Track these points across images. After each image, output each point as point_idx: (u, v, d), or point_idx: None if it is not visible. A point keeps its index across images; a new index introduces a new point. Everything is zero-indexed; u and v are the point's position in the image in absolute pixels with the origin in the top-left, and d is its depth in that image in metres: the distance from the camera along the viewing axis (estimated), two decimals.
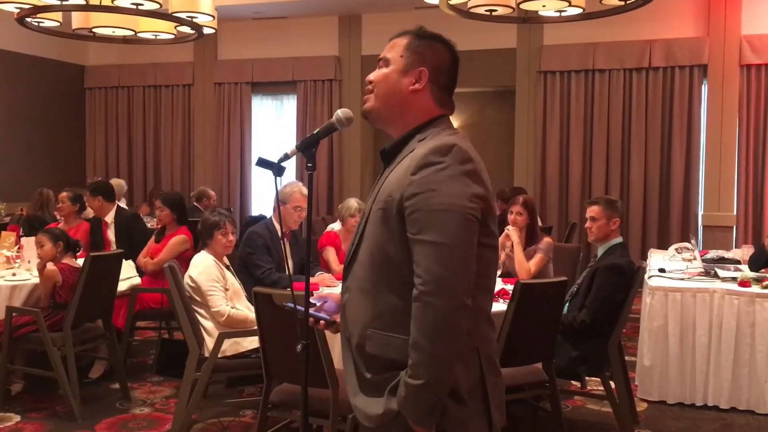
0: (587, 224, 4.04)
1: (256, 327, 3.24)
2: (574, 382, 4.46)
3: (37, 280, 4.38)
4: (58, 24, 5.87)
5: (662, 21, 7.95)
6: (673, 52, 7.91)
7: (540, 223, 5.36)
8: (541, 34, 8.45)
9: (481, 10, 5.24)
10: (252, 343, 3.66)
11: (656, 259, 5.52)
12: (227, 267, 4.01)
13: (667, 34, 7.98)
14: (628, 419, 3.78)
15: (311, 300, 1.86)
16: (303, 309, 1.84)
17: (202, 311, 3.77)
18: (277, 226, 4.39)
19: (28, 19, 5.68)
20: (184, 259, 4.92)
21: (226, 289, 3.86)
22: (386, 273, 1.65)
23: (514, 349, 3.26)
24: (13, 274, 4.51)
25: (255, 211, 9.67)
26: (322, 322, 1.83)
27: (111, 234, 5.58)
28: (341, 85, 9.34)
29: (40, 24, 5.88)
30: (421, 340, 1.54)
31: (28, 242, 4.86)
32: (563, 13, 5.42)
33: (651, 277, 4.58)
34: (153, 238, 5.23)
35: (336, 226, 5.65)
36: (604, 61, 8.19)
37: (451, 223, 1.55)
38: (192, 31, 6.07)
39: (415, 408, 1.56)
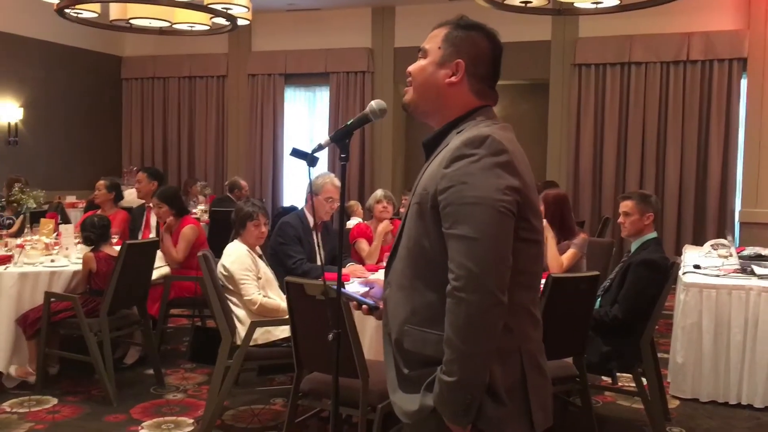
0: (620, 219, 4.00)
1: (287, 316, 3.27)
2: (605, 378, 4.42)
3: (75, 267, 4.47)
4: (96, 15, 5.97)
5: (701, 13, 7.80)
6: (712, 44, 7.76)
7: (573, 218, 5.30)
8: (576, 26, 8.35)
9: (516, 2, 5.21)
10: (283, 332, 3.70)
11: (691, 255, 5.44)
12: (260, 256, 4.06)
13: (706, 27, 7.83)
14: (659, 416, 3.74)
15: (358, 284, 1.88)
16: (350, 293, 1.86)
17: (234, 299, 3.82)
18: (309, 217, 4.42)
19: (67, 10, 5.78)
20: (198, 244, 4.98)
21: (259, 278, 3.90)
22: (422, 268, 1.62)
23: (544, 343, 3.24)
24: (52, 261, 4.61)
25: (286, 202, 9.75)
26: (365, 306, 1.83)
27: (153, 220, 5.67)
28: (374, 77, 9.34)
29: (79, 15, 5.99)
30: (453, 336, 1.52)
31: (66, 229, 4.96)
32: (599, 5, 5.35)
33: (686, 273, 4.51)
34: (162, 241, 5.02)
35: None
36: (641, 54, 8.06)
37: (483, 217, 1.51)
38: (227, 23, 6.13)
39: (449, 405, 1.54)
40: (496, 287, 1.51)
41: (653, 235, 3.95)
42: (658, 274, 3.71)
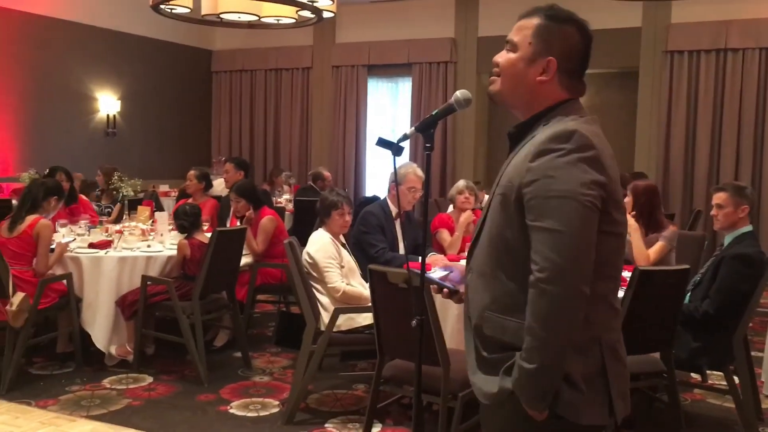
0: (713, 211, 3.85)
1: (370, 303, 3.33)
2: (694, 375, 4.29)
3: (169, 252, 4.68)
4: (189, 10, 6.19)
5: None
6: None
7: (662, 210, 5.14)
8: (668, 11, 8.05)
9: None
10: (366, 319, 3.76)
11: None
12: (343, 245, 4.13)
13: None
14: (751, 416, 3.60)
15: (438, 268, 1.93)
16: (431, 276, 1.90)
17: (318, 287, 3.91)
18: (392, 207, 4.47)
19: (162, 6, 6.02)
20: (277, 234, 5.13)
21: (342, 266, 3.97)
22: (504, 258, 1.66)
23: (630, 336, 3.14)
24: (148, 246, 4.84)
25: (368, 192, 9.85)
26: (445, 290, 1.87)
27: None
28: (456, 68, 9.30)
29: (173, 11, 6.23)
30: (535, 325, 1.56)
31: (161, 217, 5.20)
32: None
33: None
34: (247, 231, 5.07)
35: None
36: (738, 40, 7.70)
37: (568, 211, 1.54)
38: (312, 16, 6.24)
39: (527, 391, 1.59)
40: (579, 279, 1.55)
41: (748, 228, 3.79)
42: (752, 269, 3.57)
